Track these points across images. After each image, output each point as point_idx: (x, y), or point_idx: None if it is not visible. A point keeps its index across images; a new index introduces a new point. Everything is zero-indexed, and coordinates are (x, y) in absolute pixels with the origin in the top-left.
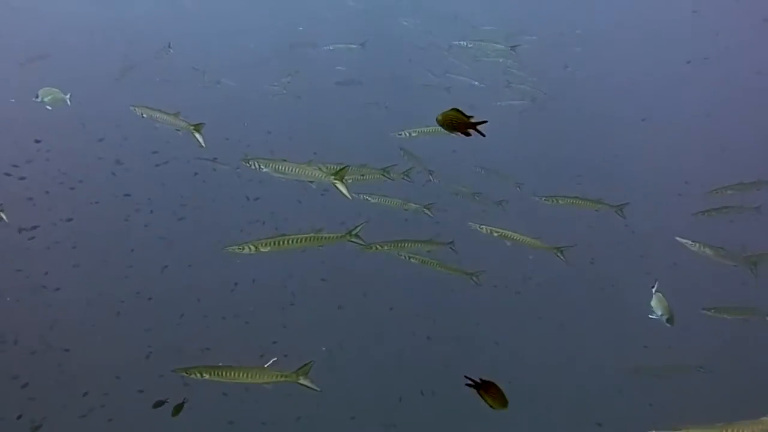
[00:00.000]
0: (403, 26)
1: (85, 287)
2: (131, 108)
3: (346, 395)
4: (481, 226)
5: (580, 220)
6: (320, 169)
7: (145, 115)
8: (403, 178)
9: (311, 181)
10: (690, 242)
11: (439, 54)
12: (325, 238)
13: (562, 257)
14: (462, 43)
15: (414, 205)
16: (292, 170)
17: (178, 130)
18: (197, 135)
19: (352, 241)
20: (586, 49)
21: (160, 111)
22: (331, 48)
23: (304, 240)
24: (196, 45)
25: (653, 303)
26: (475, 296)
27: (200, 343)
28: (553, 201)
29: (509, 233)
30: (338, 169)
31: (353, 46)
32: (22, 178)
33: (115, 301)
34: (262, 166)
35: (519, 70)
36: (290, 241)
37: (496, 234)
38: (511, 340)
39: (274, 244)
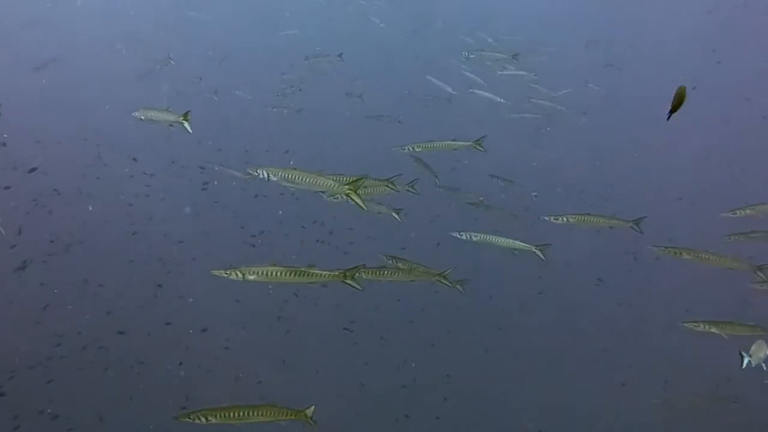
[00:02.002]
0: (422, 39)
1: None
2: (133, 114)
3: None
4: (461, 233)
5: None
6: (333, 179)
7: (143, 117)
8: (408, 190)
9: (323, 192)
10: (663, 248)
11: (456, 67)
12: (318, 275)
13: (542, 256)
14: (465, 53)
15: (384, 208)
16: (302, 180)
17: (171, 125)
18: (185, 124)
19: (347, 283)
20: (608, 61)
21: (153, 109)
22: (309, 61)
23: (294, 274)
24: (204, 56)
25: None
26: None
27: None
28: (562, 219)
29: (489, 237)
30: (353, 179)
31: (332, 56)
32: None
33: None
34: (270, 175)
35: (540, 84)
36: (279, 273)
37: (476, 239)
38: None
39: (262, 273)
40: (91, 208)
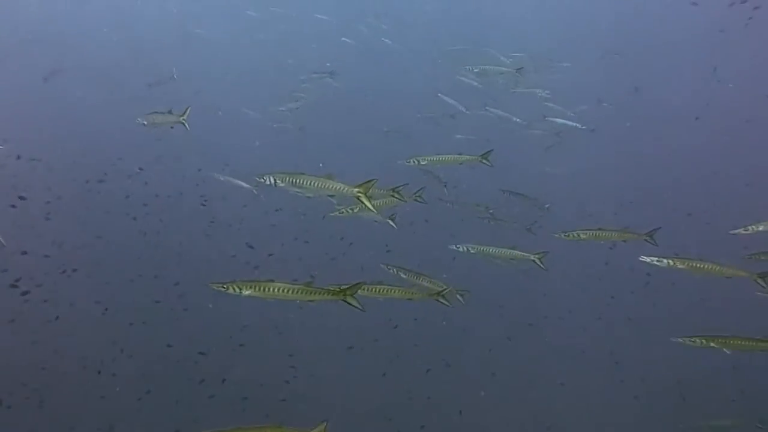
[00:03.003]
0: (432, 57)
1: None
2: (137, 120)
3: None
4: (458, 246)
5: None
6: (343, 183)
7: (146, 122)
8: (416, 200)
9: (332, 196)
10: (656, 259)
11: (468, 86)
12: (317, 292)
13: (542, 265)
14: (469, 67)
15: (380, 216)
16: (311, 184)
17: (172, 127)
18: (185, 123)
19: (347, 302)
20: (625, 79)
21: (154, 113)
22: (305, 78)
23: (292, 291)
24: (209, 73)
25: None
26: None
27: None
28: (574, 235)
29: (487, 248)
30: (363, 182)
31: (325, 74)
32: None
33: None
34: (278, 181)
35: (553, 101)
36: (277, 290)
37: (473, 251)
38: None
39: (259, 289)
40: (94, 226)
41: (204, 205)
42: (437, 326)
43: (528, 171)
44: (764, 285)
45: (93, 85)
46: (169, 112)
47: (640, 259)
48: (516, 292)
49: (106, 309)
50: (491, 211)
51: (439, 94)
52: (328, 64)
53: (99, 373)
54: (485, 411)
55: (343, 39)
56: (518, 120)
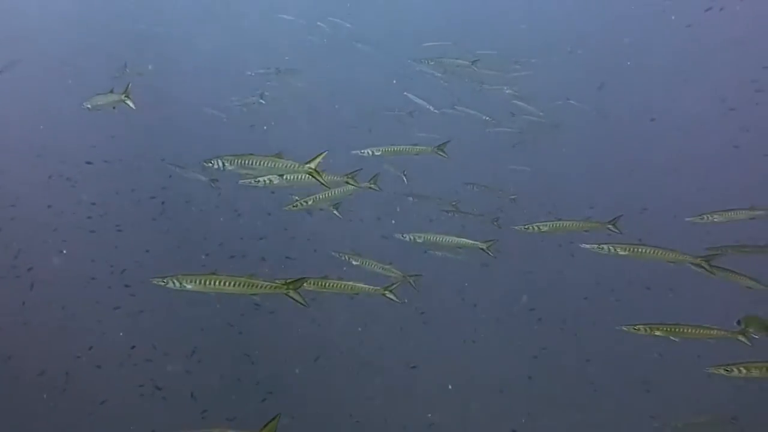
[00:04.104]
0: (397, 55)
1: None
2: (84, 105)
3: None
4: (404, 235)
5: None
6: (292, 161)
7: (90, 106)
8: (370, 188)
9: (282, 175)
10: (597, 246)
11: (435, 83)
12: (260, 285)
13: (490, 253)
14: (424, 60)
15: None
16: (261, 164)
17: (114, 107)
18: (128, 102)
19: (289, 297)
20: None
21: (97, 95)
22: (252, 74)
23: (234, 284)
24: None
25: None
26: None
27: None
28: (534, 228)
29: (433, 237)
30: (313, 158)
31: (273, 70)
32: None
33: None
34: (226, 164)
35: (521, 98)
36: (219, 283)
37: (419, 240)
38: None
39: (200, 282)
40: (52, 228)
41: (164, 203)
42: (403, 327)
43: (494, 168)
44: (709, 269)
45: (52, 78)
46: (110, 92)
47: (581, 246)
48: (486, 291)
49: (62, 307)
50: (454, 202)
51: (405, 93)
52: (286, 58)
53: (67, 374)
54: (453, 411)
55: (309, 38)
56: (487, 118)
